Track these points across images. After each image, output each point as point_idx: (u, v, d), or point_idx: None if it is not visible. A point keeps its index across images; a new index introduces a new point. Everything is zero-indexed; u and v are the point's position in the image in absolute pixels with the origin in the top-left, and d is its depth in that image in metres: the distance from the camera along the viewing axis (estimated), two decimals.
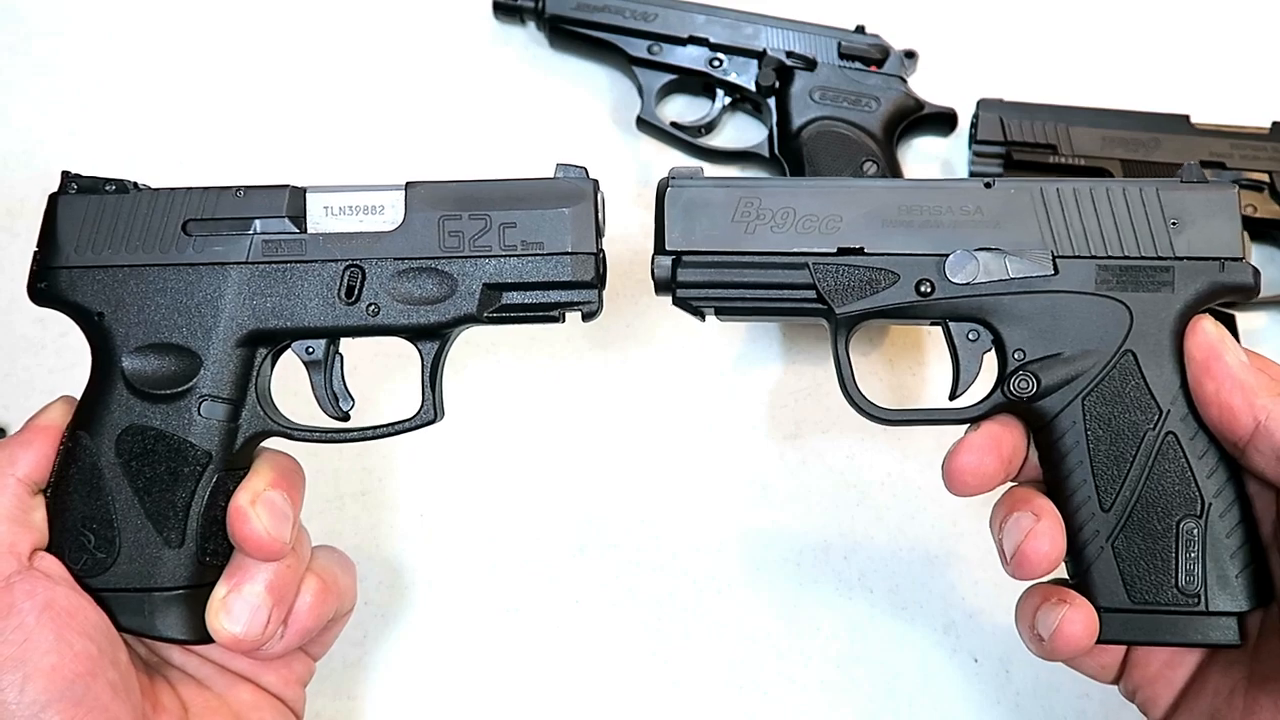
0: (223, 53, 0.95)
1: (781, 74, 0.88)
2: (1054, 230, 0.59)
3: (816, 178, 0.64)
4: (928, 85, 0.88)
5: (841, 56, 0.88)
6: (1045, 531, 0.56)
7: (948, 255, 0.59)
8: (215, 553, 0.58)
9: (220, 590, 0.56)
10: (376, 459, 0.78)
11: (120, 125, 0.92)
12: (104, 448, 0.57)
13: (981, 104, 0.86)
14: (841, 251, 0.59)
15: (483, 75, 0.94)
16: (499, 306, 0.60)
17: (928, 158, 0.90)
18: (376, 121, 0.92)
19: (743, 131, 0.92)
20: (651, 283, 0.62)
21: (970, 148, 0.87)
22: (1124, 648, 0.60)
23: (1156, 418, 0.56)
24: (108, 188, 0.61)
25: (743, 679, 0.72)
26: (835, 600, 0.74)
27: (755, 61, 0.89)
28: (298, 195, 0.60)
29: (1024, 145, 0.85)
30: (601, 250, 0.61)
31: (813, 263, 0.59)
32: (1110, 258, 0.58)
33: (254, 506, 0.56)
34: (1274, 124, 0.85)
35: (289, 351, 0.61)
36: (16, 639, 0.51)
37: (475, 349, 0.81)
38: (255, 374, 0.60)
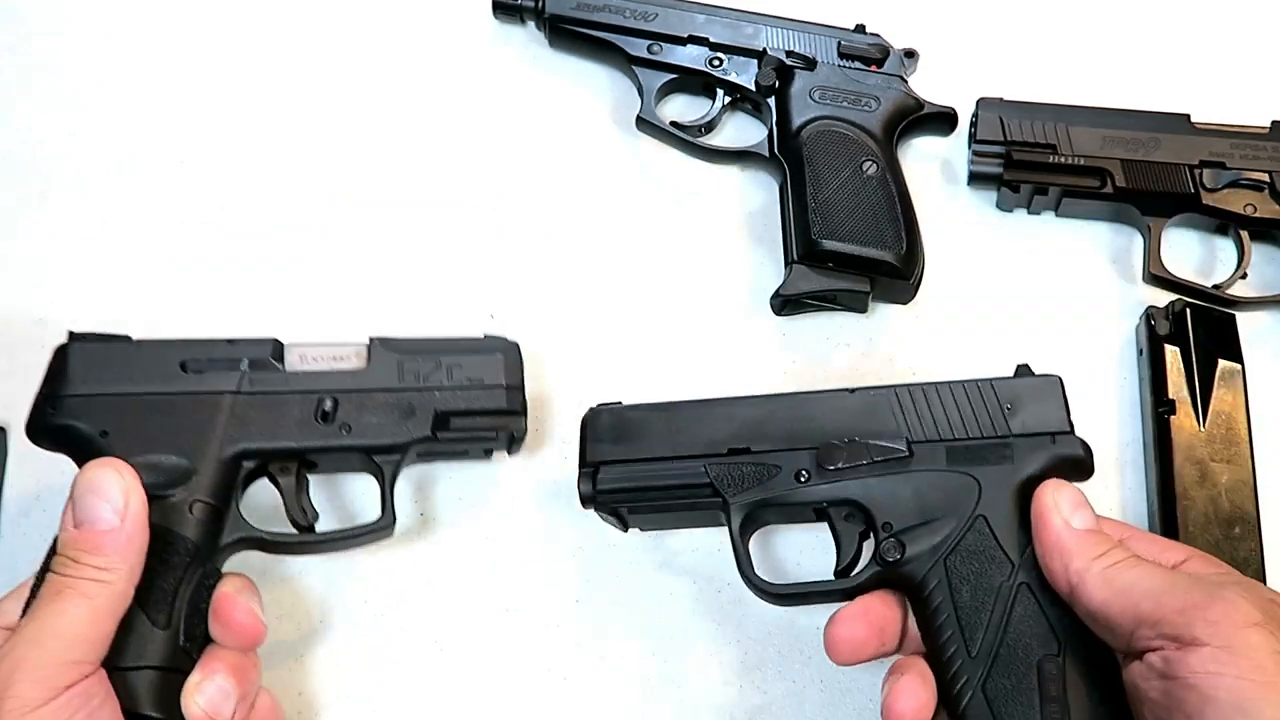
0: (222, 52, 0.95)
1: (781, 73, 0.88)
2: (908, 422, 0.69)
3: (710, 400, 0.72)
4: (928, 85, 0.88)
5: (841, 56, 0.88)
6: (906, 687, 0.62)
7: (819, 447, 0.68)
8: (192, 638, 0.63)
9: (195, 676, 0.61)
10: None
11: (120, 125, 0.92)
12: None
13: (981, 103, 0.86)
14: (731, 451, 0.69)
15: (482, 75, 0.94)
16: (447, 430, 0.71)
17: (927, 157, 0.90)
18: (375, 119, 0.92)
19: (742, 131, 0.92)
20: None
21: (970, 147, 0.87)
22: None
23: (1010, 571, 0.63)
24: (111, 340, 0.70)
25: (743, 679, 0.72)
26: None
27: (755, 61, 0.89)
28: (279, 346, 0.70)
29: (1024, 145, 0.84)
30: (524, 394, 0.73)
31: (707, 463, 0.69)
32: (957, 440, 0.68)
33: (239, 594, 0.64)
34: (1274, 123, 0.85)
35: (260, 476, 0.70)
36: None
37: None
38: (239, 486, 0.67)
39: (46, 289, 0.85)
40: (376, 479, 0.71)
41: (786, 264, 0.83)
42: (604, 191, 0.89)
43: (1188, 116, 0.85)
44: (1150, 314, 0.80)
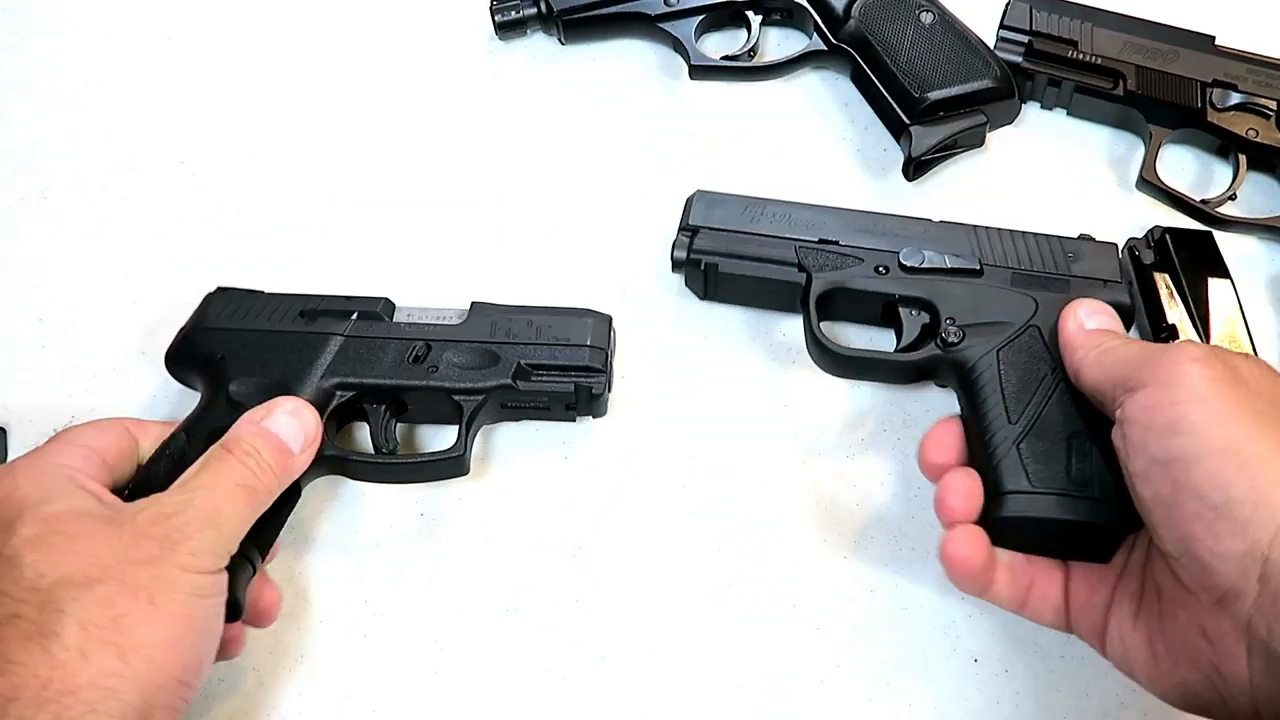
0: (223, 51, 0.95)
1: None
2: (981, 249, 0.77)
3: (805, 202, 0.80)
4: None
5: None
6: (954, 483, 0.67)
7: (900, 250, 0.77)
8: (262, 542, 0.68)
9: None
10: None
11: (120, 125, 0.92)
12: (196, 440, 0.70)
13: None
14: (821, 241, 0.78)
15: (486, 80, 0.94)
16: (528, 380, 0.76)
17: None
18: (379, 117, 0.92)
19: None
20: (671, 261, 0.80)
21: (997, 31, 0.89)
22: (1060, 589, 0.67)
23: (1054, 368, 0.71)
24: (248, 293, 0.79)
25: (743, 678, 0.72)
26: (834, 600, 0.74)
27: None
28: (389, 305, 0.78)
29: (1046, 37, 0.87)
30: (611, 363, 0.78)
31: (798, 245, 0.78)
32: (1023, 269, 0.76)
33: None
34: None
35: (355, 415, 0.77)
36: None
37: None
38: (330, 414, 0.74)
39: (46, 289, 0.85)
40: (456, 420, 0.76)
41: (897, 136, 0.86)
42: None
43: (1213, 38, 0.87)
44: (1132, 245, 0.82)
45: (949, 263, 0.76)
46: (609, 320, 0.79)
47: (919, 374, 0.76)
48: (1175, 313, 0.78)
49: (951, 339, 0.73)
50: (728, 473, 0.78)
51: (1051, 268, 0.76)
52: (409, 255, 0.86)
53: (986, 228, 0.78)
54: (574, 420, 0.79)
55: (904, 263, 0.76)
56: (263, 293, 0.79)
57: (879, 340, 0.80)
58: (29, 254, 0.87)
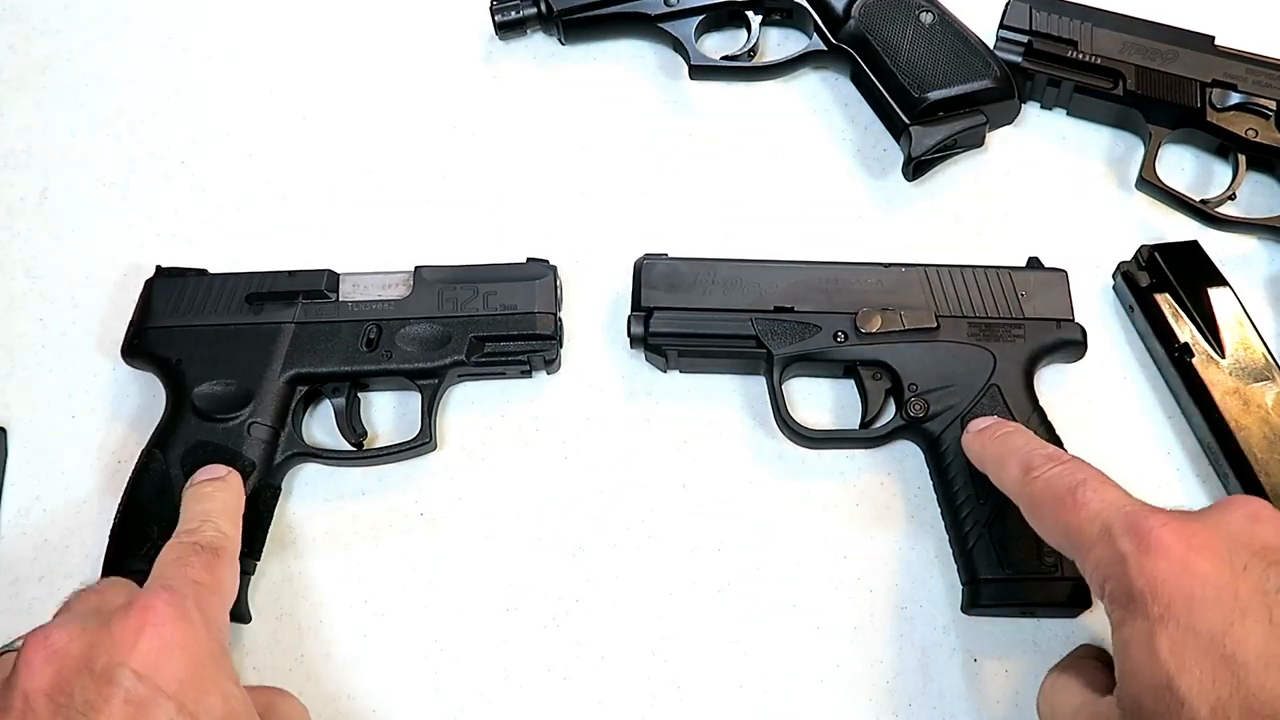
0: (224, 52, 0.95)
1: None
2: (936, 297, 0.77)
3: (758, 260, 0.79)
4: None
5: None
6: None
7: (857, 313, 0.76)
8: (250, 545, 0.71)
9: None
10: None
11: (120, 125, 0.92)
12: (173, 460, 0.72)
13: None
14: (776, 309, 0.76)
15: (486, 80, 0.94)
16: (483, 354, 0.77)
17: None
18: (383, 117, 0.92)
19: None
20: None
21: (997, 31, 0.89)
22: None
23: None
24: (189, 274, 0.79)
25: (743, 678, 0.72)
26: (834, 600, 0.74)
27: None
28: (333, 276, 0.78)
29: (1045, 37, 0.88)
30: (559, 316, 0.78)
31: (754, 318, 0.76)
32: (978, 317, 0.76)
33: None
34: None
35: (320, 395, 0.78)
36: None
37: None
38: (293, 407, 0.75)
39: (46, 289, 0.85)
40: (413, 387, 0.77)
41: (897, 136, 0.86)
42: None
43: (1212, 38, 0.87)
44: (1125, 271, 0.82)
45: (905, 322, 0.76)
46: (554, 274, 0.78)
47: (887, 441, 0.77)
48: (1185, 330, 0.78)
49: (915, 412, 0.74)
50: (728, 473, 0.78)
51: (1005, 311, 0.76)
52: (411, 255, 0.86)
53: (938, 268, 0.78)
54: (529, 378, 0.80)
55: (861, 329, 0.76)
56: (205, 273, 0.79)
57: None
58: (29, 254, 0.87)
